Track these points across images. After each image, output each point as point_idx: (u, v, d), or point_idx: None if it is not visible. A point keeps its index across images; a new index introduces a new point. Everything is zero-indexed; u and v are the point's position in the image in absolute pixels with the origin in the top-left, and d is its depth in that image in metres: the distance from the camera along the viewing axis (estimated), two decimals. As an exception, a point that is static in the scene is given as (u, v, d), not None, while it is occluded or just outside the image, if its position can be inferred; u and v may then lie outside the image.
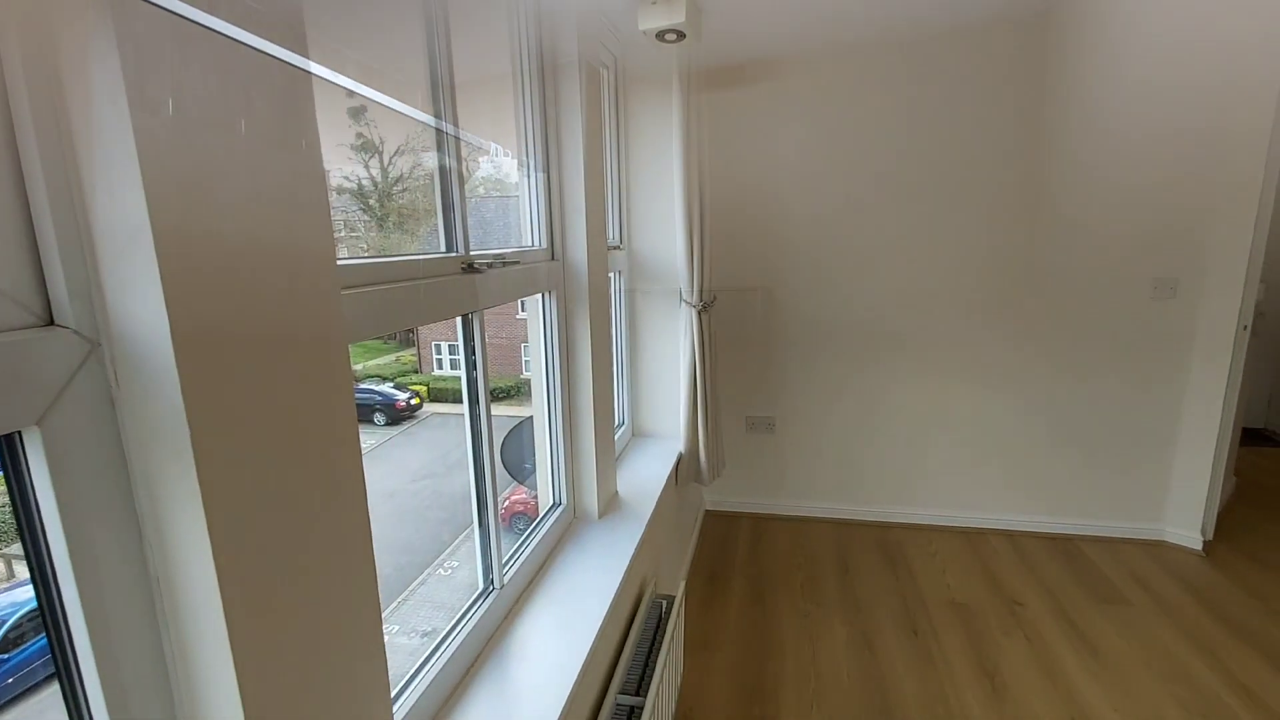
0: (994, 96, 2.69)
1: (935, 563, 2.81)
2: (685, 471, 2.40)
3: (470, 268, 1.20)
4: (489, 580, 1.36)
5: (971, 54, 2.67)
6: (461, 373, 1.30)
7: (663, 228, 2.34)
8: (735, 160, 2.94)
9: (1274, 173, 2.53)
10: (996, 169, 2.76)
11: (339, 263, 0.87)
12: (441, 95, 1.16)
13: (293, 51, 0.60)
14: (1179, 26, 2.49)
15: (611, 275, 2.33)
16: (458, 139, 1.17)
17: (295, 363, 0.61)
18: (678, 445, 2.41)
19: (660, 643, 1.63)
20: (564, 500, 1.76)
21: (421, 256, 1.07)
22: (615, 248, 2.28)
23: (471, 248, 1.20)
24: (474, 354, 1.27)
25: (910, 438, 3.08)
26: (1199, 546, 2.86)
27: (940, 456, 3.08)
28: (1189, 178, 2.61)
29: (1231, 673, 2.11)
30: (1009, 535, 3.04)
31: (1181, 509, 2.89)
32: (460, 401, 1.30)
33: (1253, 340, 2.79)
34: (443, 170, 1.18)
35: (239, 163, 0.55)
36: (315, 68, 0.63)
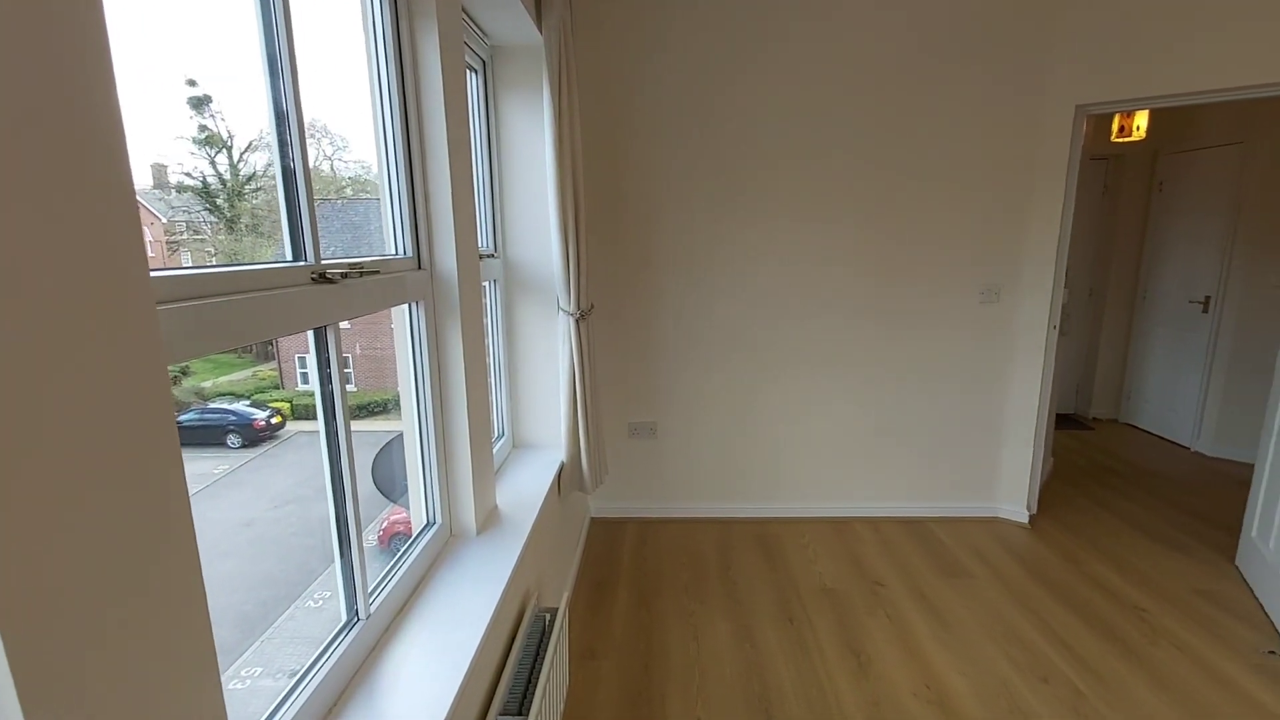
0: (855, 111, 2.92)
1: (807, 553, 2.98)
2: (568, 481, 2.39)
3: (322, 278, 1.12)
4: (353, 612, 1.27)
5: (841, 68, 2.88)
6: (315, 388, 1.20)
7: (539, 236, 2.32)
8: (612, 167, 2.97)
9: (1070, 200, 2.94)
10: (857, 181, 2.99)
11: (158, 274, 0.78)
12: (281, 75, 1.07)
13: None
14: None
15: (486, 284, 2.28)
16: (301, 129, 1.09)
17: (83, 390, 0.54)
18: (560, 455, 2.39)
19: (543, 658, 1.60)
20: (438, 519, 1.69)
21: (259, 266, 0.98)
22: (490, 256, 2.22)
23: (336, 255, 1.12)
24: (329, 369, 1.19)
25: (782, 435, 3.26)
26: (1025, 520, 3.25)
27: (809, 452, 3.28)
28: (1008, 201, 2.97)
29: (1053, 630, 2.40)
30: (872, 522, 3.29)
31: (1010, 488, 3.28)
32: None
33: (1060, 338, 3.21)
34: (285, 167, 1.09)
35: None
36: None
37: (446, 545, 1.70)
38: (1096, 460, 4.15)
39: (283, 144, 1.09)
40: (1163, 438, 4.54)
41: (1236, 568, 2.82)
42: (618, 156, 2.96)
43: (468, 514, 1.73)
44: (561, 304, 2.23)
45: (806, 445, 3.27)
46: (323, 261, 1.16)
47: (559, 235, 2.12)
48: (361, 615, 1.27)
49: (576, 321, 2.23)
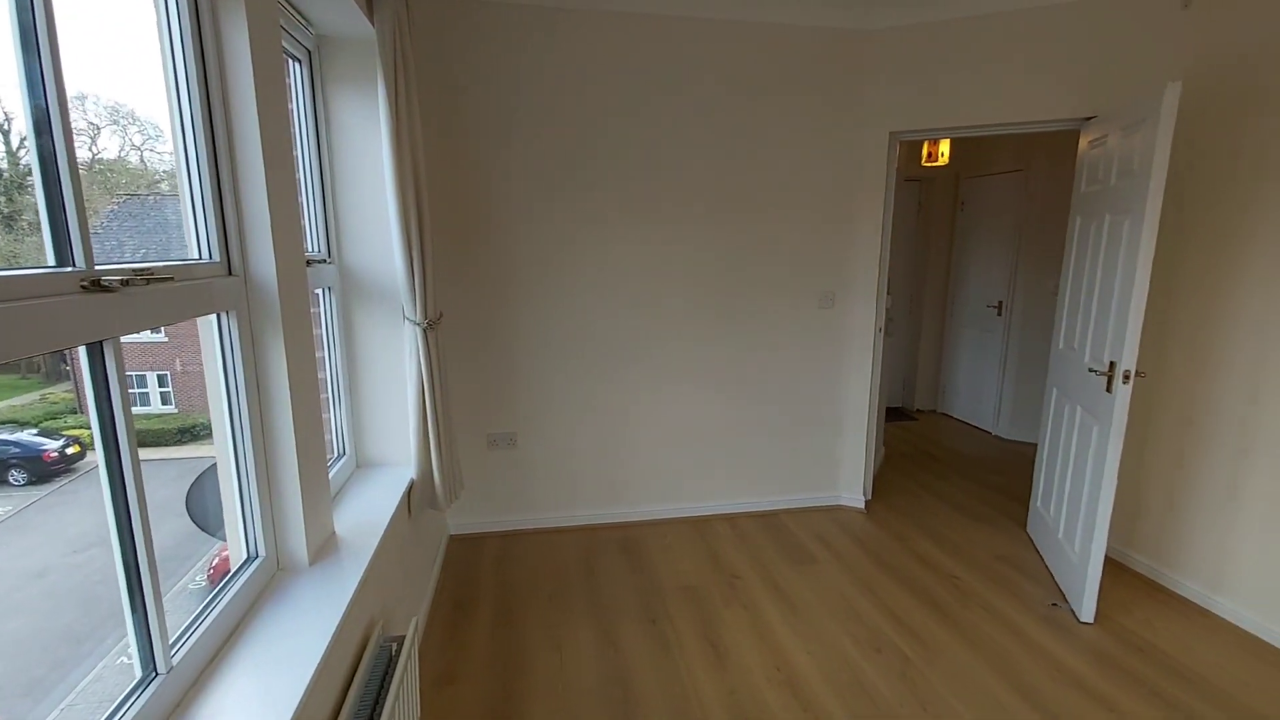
0: (705, 128, 3.05)
1: (670, 553, 3.06)
2: (420, 498, 2.26)
3: (96, 285, 0.97)
4: (149, 667, 1.11)
5: (691, 87, 2.99)
6: (92, 414, 1.04)
7: (379, 240, 2.18)
8: (461, 169, 2.88)
9: (889, 216, 3.28)
10: (707, 192, 3.12)
11: None
12: (36, 43, 0.91)
13: None
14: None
15: (319, 292, 2.11)
16: (63, 107, 0.94)
17: None
18: (410, 471, 2.26)
19: (387, 691, 1.49)
20: (262, 551, 1.53)
21: (4, 273, 0.82)
22: (322, 261, 2.06)
23: (149, 257, 0.97)
24: (107, 391, 1.03)
25: (642, 439, 3.32)
26: (862, 506, 3.56)
27: (669, 454, 3.37)
28: (838, 215, 3.26)
29: (885, 604, 2.65)
30: (730, 518, 3.45)
31: (849, 477, 3.58)
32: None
33: (887, 340, 3.57)
34: (42, 153, 0.93)
35: None
36: None
37: (274, 580, 1.54)
38: (920, 448, 4.65)
39: (40, 125, 0.93)
40: (972, 425, 5.19)
41: (1028, 533, 3.28)
42: (468, 158, 2.87)
43: (298, 544, 1.58)
44: (407, 313, 2.12)
45: (666, 448, 3.36)
46: (98, 267, 1.00)
47: (401, 240, 2.01)
48: (160, 669, 1.11)
49: (424, 331, 2.13)
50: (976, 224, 5.05)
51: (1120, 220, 2.41)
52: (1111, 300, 2.43)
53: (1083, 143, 2.86)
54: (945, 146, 4.68)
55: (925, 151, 4.76)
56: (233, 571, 1.49)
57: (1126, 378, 2.32)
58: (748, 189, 3.15)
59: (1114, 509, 3.03)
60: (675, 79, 2.97)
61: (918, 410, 5.60)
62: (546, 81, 2.87)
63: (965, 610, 2.60)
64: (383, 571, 1.88)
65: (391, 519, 1.94)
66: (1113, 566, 2.96)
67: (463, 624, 2.48)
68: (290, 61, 1.97)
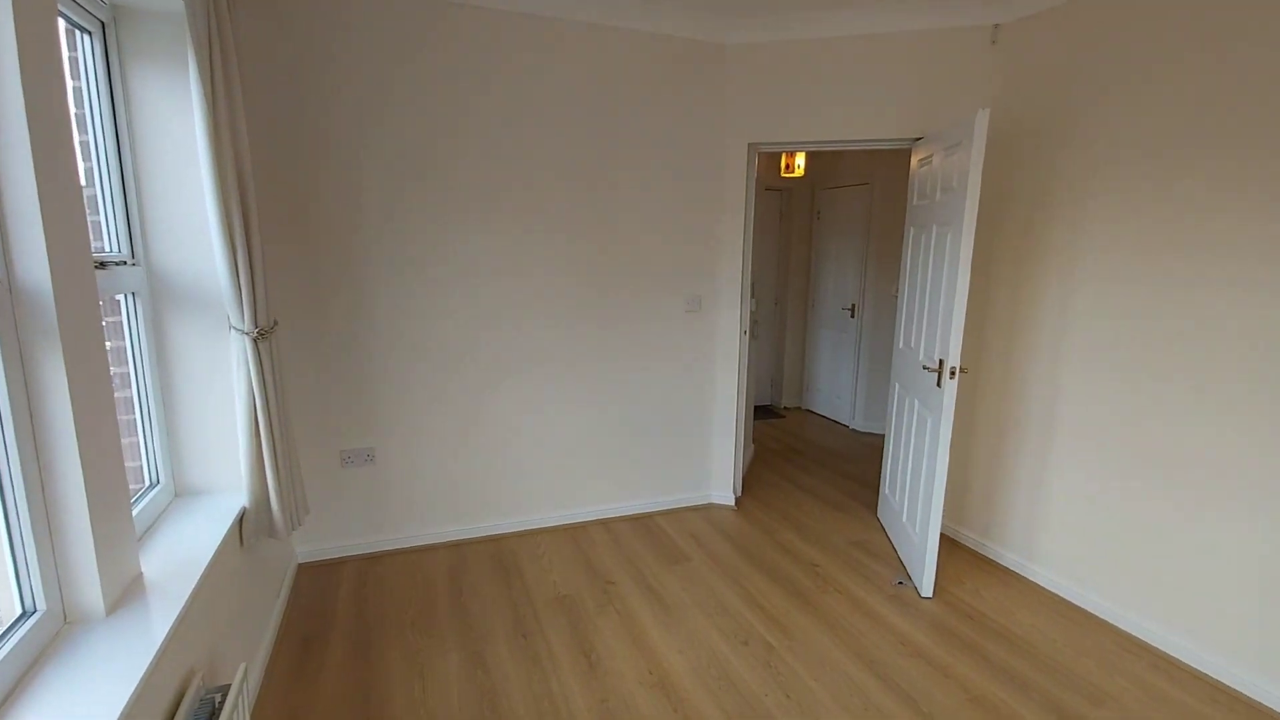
0: (572, 130, 3.01)
1: (543, 563, 2.99)
2: (254, 527, 2.04)
3: None
4: None
5: (556, 89, 2.94)
6: None
7: (197, 240, 1.94)
8: (301, 163, 2.65)
9: (750, 223, 3.43)
10: (576, 194, 3.09)
11: None
12: None
13: None
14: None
15: (120, 298, 1.83)
16: None
17: None
18: (241, 498, 2.03)
19: (206, 751, 1.32)
20: (41, 605, 1.29)
21: None
22: (122, 263, 1.79)
23: None
24: None
25: (514, 447, 3.23)
26: (733, 503, 3.69)
27: (542, 462, 3.30)
28: (704, 222, 3.35)
29: (753, 596, 2.75)
30: (605, 523, 3.44)
31: (720, 475, 3.69)
32: None
33: (752, 341, 3.72)
34: None
35: None
36: None
37: (59, 636, 1.31)
38: (786, 443, 4.90)
39: None
40: (832, 419, 5.56)
41: (878, 518, 3.55)
42: (309, 151, 2.64)
43: (90, 592, 1.36)
44: (233, 321, 1.90)
45: (538, 455, 3.29)
46: None
47: (222, 239, 1.80)
48: (-124, 769, 0.90)
49: (254, 341, 1.92)
50: (831, 232, 5.42)
51: (945, 232, 2.67)
52: (939, 304, 2.68)
53: (913, 161, 3.14)
54: (801, 159, 4.98)
55: (784, 163, 5.04)
56: (2, 631, 1.25)
57: (953, 373, 2.56)
58: (615, 193, 3.16)
59: (946, 491, 3.35)
60: (542, 80, 2.92)
61: (785, 408, 5.91)
62: (401, 75, 2.71)
63: (823, 595, 2.76)
64: (205, 614, 1.67)
65: (216, 554, 1.72)
66: (948, 543, 3.28)
67: (312, 661, 2.27)
68: (77, 33, 1.70)
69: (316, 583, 2.79)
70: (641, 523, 3.46)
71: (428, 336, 2.96)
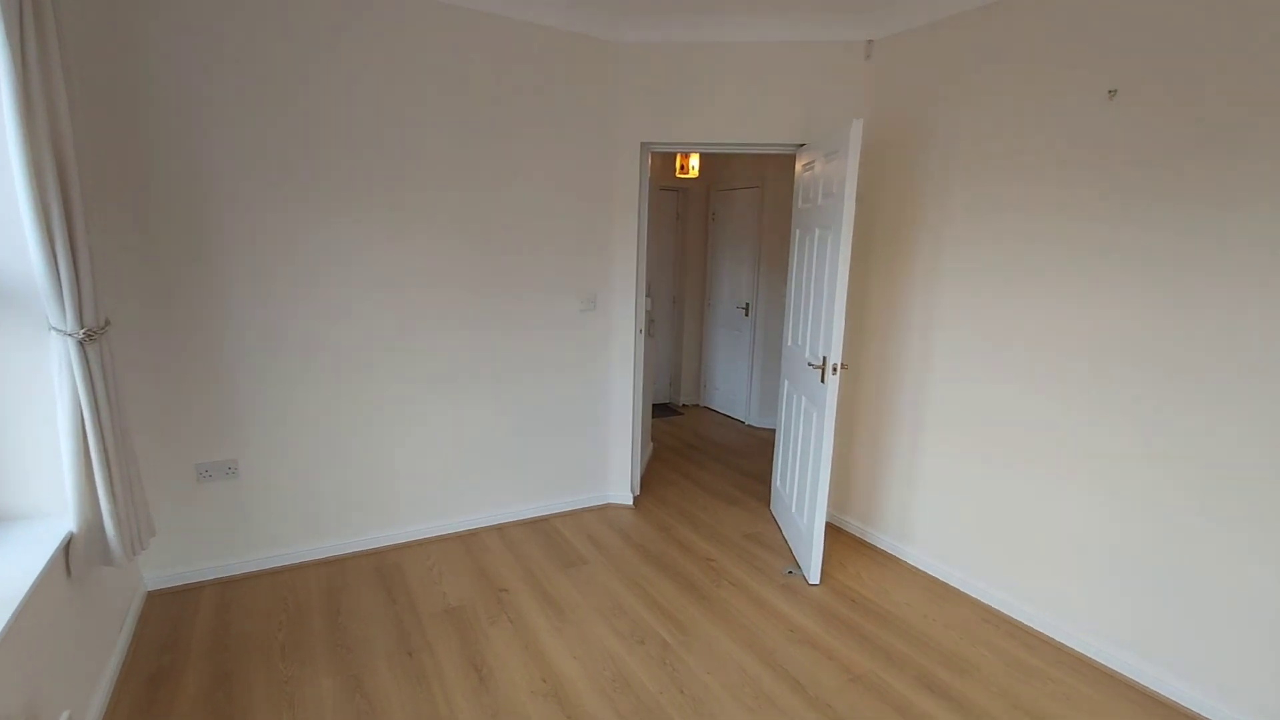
0: (466, 118, 2.88)
1: (432, 575, 2.84)
2: (84, 554, 1.79)
3: None
4: None
5: (457, 71, 2.79)
6: None
7: (6, 230, 1.67)
8: (141, 140, 2.36)
9: (644, 222, 3.44)
10: (461, 190, 2.95)
11: None
12: None
13: None
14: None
15: (-102, 293, 1.55)
16: None
17: None
18: (67, 523, 1.78)
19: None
20: None
21: None
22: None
23: None
24: None
25: (400, 454, 3.06)
26: (631, 502, 3.69)
27: (431, 468, 3.15)
28: (596, 221, 3.32)
29: (649, 594, 2.75)
30: (500, 529, 3.33)
31: (618, 475, 3.68)
32: None
33: (649, 339, 3.74)
34: None
35: None
36: None
37: None
38: (685, 440, 4.98)
39: None
40: (729, 416, 5.71)
41: (771, 511, 3.67)
42: (150, 129, 2.36)
43: None
44: (53, 320, 1.65)
45: (426, 462, 3.13)
46: None
47: (37, 228, 1.56)
48: None
49: (81, 343, 1.68)
50: (726, 233, 5.56)
51: (826, 234, 2.79)
52: (822, 303, 2.80)
53: (798, 166, 3.27)
54: (695, 160, 5.07)
55: (679, 164, 5.11)
56: None
57: (835, 370, 2.69)
58: (504, 189, 3.07)
59: (832, 482, 3.52)
60: (420, 68, 2.77)
61: (683, 405, 6.01)
62: (268, 55, 2.48)
63: (718, 589, 2.81)
64: (19, 658, 1.44)
65: (33, 588, 1.49)
66: (834, 531, 3.44)
67: (162, 699, 2.02)
68: None
69: (169, 612, 2.50)
70: (538, 526, 3.38)
71: (301, 340, 2.73)
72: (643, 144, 3.31)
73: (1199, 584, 2.12)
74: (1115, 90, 2.23)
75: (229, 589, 2.67)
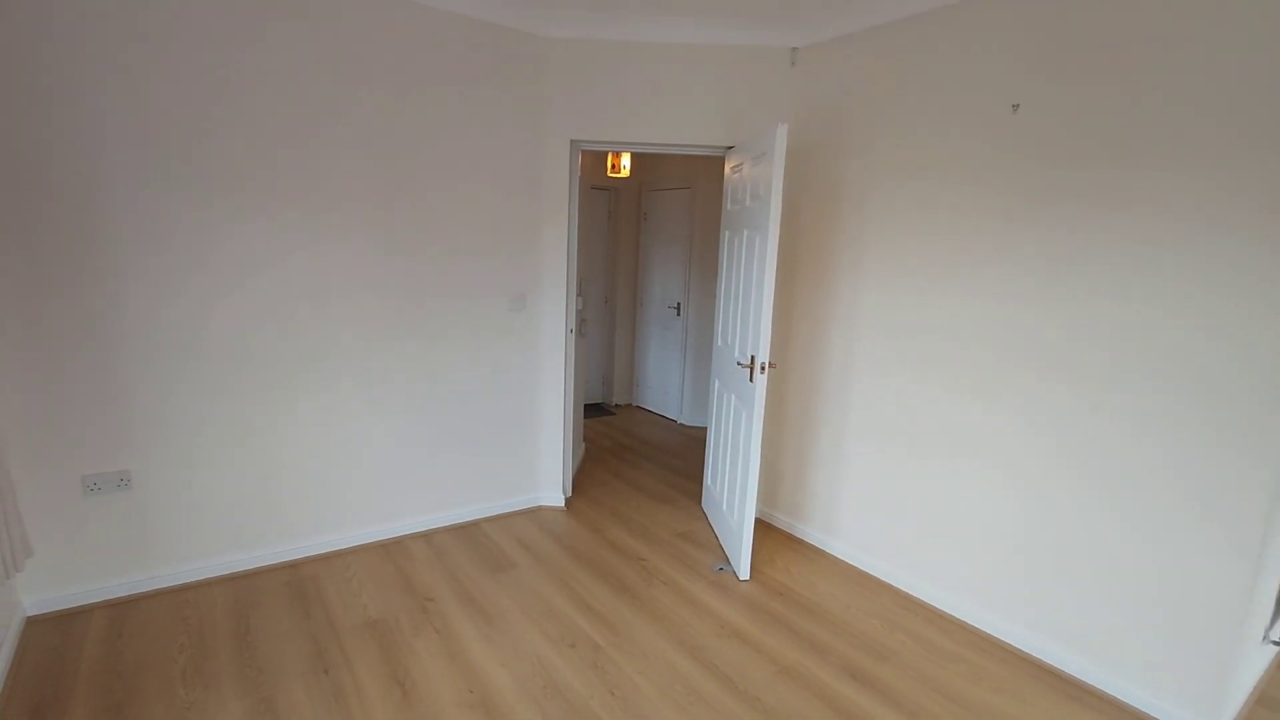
0: (387, 112, 2.75)
1: (352, 586, 2.72)
2: (-57, 582, 1.60)
3: None
4: None
5: (375, 63, 2.66)
6: None
7: None
8: (19, 113, 2.14)
9: (574, 220, 3.40)
10: (383, 184, 2.83)
11: None
12: None
13: None
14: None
15: None
16: None
17: None
18: (-78, 547, 1.58)
19: None
20: None
21: None
22: None
23: None
24: None
25: (318, 460, 2.90)
26: (562, 504, 3.65)
27: (351, 474, 3.01)
28: (526, 218, 3.26)
29: (581, 597, 2.72)
30: (426, 535, 3.22)
31: (549, 477, 3.63)
32: None
33: (580, 339, 3.70)
34: None
35: None
36: None
37: None
38: (618, 440, 4.97)
39: None
40: (662, 415, 5.75)
41: (702, 509, 3.71)
42: (30, 100, 2.15)
43: None
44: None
45: (348, 469, 2.99)
46: None
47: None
48: None
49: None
50: (658, 233, 5.59)
51: (754, 235, 2.84)
52: (750, 303, 2.85)
53: (727, 168, 3.32)
54: (627, 159, 5.07)
55: (610, 163, 5.09)
56: None
57: (763, 368, 2.74)
58: (428, 186, 2.96)
59: (761, 478, 3.59)
60: (344, 57, 2.63)
61: (616, 405, 6.00)
62: (170, 44, 2.29)
63: (650, 589, 2.81)
64: None
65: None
66: (763, 527, 3.51)
67: (40, 738, 1.84)
68: None
69: (53, 638, 2.28)
70: (467, 532, 3.29)
71: (205, 340, 2.54)
72: (572, 141, 3.27)
73: (1088, 564, 2.28)
74: (1018, 105, 2.37)
75: (122, 611, 2.46)
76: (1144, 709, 2.17)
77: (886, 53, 2.79)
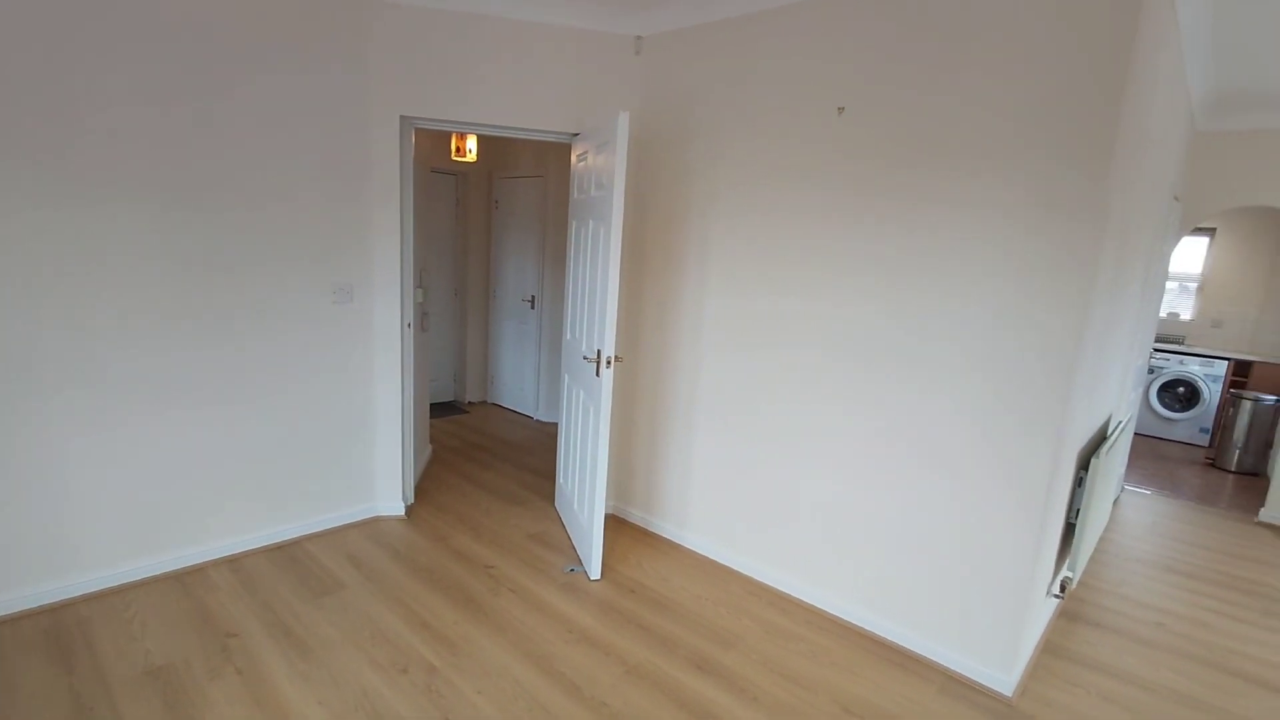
0: (179, 77, 2.31)
1: (131, 629, 2.29)
2: None
3: None
4: None
5: (170, 25, 2.19)
6: None
7: None
8: None
9: (409, 206, 3.12)
10: (176, 158, 2.39)
11: None
12: None
13: None
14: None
15: None
16: None
17: None
18: None
19: None
20: None
21: None
22: None
23: None
24: None
25: (82, 483, 2.41)
26: (403, 512, 3.36)
27: (134, 496, 2.54)
28: (350, 202, 2.93)
29: (418, 615, 2.49)
30: (232, 561, 2.80)
31: (387, 484, 3.32)
32: None
33: (423, 334, 3.42)
34: None
35: None
36: None
37: None
38: (469, 440, 4.71)
39: None
40: (518, 412, 5.54)
41: (555, 508, 3.59)
42: None
43: None
44: None
45: (131, 490, 2.52)
46: None
47: None
48: None
49: None
50: (510, 222, 5.36)
51: (600, 226, 2.75)
52: (596, 296, 2.77)
53: (573, 156, 3.21)
54: (473, 142, 4.80)
55: (454, 145, 4.79)
56: None
57: (609, 363, 2.67)
58: (230, 163, 2.56)
59: (613, 474, 3.54)
60: (129, 13, 2.18)
61: (469, 403, 5.71)
62: None
63: (496, 598, 2.65)
64: None
65: None
66: (617, 524, 3.47)
67: None
68: None
69: None
70: (286, 552, 2.91)
71: (18, 343, 2.00)
72: (403, 118, 2.99)
73: (914, 539, 2.46)
74: (844, 108, 2.48)
75: None
76: (955, 668, 2.37)
77: (729, 47, 2.82)
